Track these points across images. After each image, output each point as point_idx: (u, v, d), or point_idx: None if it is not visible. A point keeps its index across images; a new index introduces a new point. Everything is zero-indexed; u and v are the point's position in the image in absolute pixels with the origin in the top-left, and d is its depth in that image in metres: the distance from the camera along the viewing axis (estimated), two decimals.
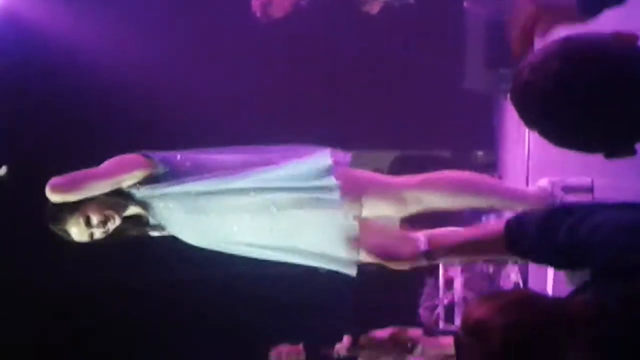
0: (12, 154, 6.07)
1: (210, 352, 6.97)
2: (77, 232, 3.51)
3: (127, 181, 3.50)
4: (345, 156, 3.71)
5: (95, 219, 3.48)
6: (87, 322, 7.15)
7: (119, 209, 3.53)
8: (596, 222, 1.77)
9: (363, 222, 3.62)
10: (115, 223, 3.52)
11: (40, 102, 7.25)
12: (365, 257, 3.68)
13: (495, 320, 1.62)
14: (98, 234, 3.52)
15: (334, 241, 3.53)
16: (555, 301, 1.77)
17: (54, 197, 3.37)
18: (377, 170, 7.29)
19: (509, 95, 1.94)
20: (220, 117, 7.42)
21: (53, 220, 3.51)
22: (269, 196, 3.49)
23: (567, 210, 1.93)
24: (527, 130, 5.82)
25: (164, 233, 3.75)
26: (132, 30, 7.32)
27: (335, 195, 3.44)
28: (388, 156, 8.19)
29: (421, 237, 2.25)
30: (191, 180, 3.51)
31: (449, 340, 5.63)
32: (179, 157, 3.64)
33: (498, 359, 1.60)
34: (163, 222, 3.62)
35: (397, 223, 4.82)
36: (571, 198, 3.70)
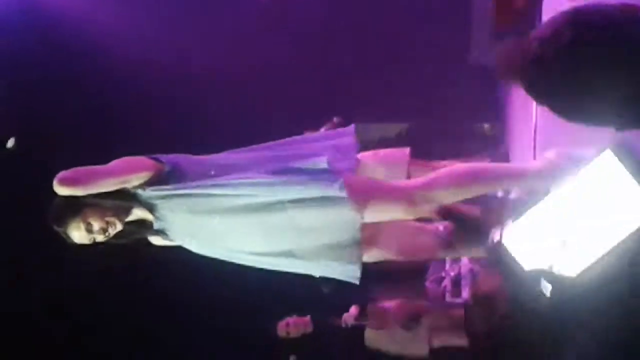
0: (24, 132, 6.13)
1: (218, 325, 7.02)
2: (78, 236, 3.49)
3: (133, 182, 3.48)
4: (353, 160, 3.70)
5: (96, 225, 3.46)
6: (87, 320, 7.17)
7: (121, 214, 3.50)
8: None
9: (380, 228, 3.62)
10: (116, 229, 3.51)
11: (56, 83, 7.28)
12: (370, 258, 3.69)
13: (505, 293, 1.63)
14: (99, 238, 3.51)
15: (339, 244, 3.53)
16: None
17: (61, 190, 3.34)
18: (383, 139, 7.32)
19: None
20: (227, 92, 7.46)
21: (55, 222, 3.50)
22: (275, 199, 3.47)
23: None
24: (534, 104, 5.82)
25: (166, 241, 3.74)
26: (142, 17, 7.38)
27: (341, 192, 3.43)
28: (394, 128, 8.19)
29: (440, 226, 2.23)
30: (197, 183, 3.50)
31: (455, 312, 5.66)
32: (186, 160, 3.63)
33: (505, 329, 1.62)
34: (167, 226, 3.61)
35: None
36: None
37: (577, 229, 1.44)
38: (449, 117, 7.98)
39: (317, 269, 3.70)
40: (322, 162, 3.47)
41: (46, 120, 7.13)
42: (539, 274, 1.51)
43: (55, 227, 3.51)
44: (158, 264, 4.02)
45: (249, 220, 3.52)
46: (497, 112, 8.52)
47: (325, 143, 3.74)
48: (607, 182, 1.36)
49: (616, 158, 1.30)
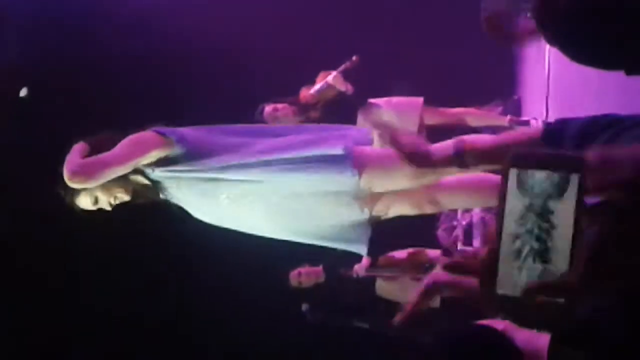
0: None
1: (230, 276, 7.07)
2: (84, 204, 3.50)
3: (143, 162, 3.43)
4: (367, 134, 3.64)
5: (103, 199, 3.47)
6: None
7: (128, 188, 3.49)
8: (635, 134, 1.74)
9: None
10: (123, 199, 3.51)
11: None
12: (384, 215, 3.69)
13: None
14: (105, 208, 3.52)
15: (348, 228, 3.53)
16: None
17: (73, 184, 3.31)
18: (394, 88, 7.29)
19: (529, 14, 1.91)
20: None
21: (63, 190, 3.47)
22: (284, 184, 3.45)
23: (610, 120, 1.88)
24: (547, 51, 5.78)
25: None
26: None
27: (352, 180, 3.42)
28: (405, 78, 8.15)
29: (450, 142, 2.17)
30: (205, 164, 3.45)
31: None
32: (196, 136, 3.54)
33: None
34: (174, 201, 3.59)
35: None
36: None
37: (542, 234, 1.43)
38: (459, 66, 7.92)
39: (324, 244, 3.71)
40: (337, 149, 3.42)
41: (60, 76, 7.14)
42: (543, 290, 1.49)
43: (63, 194, 3.49)
44: (165, 222, 4.00)
45: (257, 205, 3.51)
46: (509, 60, 8.46)
47: (340, 132, 3.67)
48: (533, 188, 1.36)
49: (520, 170, 1.31)
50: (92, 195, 3.45)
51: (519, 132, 2.13)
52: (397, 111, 5.78)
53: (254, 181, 3.45)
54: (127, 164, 3.37)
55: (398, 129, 2.35)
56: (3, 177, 6.61)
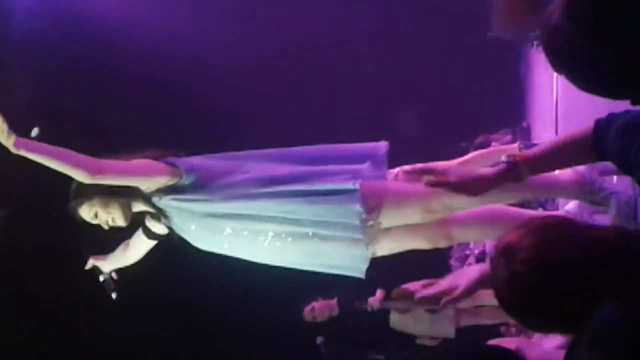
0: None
1: (245, 311, 7.06)
2: (86, 216, 3.58)
3: (147, 184, 3.48)
4: (380, 170, 3.61)
5: (103, 216, 3.54)
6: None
7: (127, 212, 3.56)
8: None
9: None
10: (117, 224, 3.57)
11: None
12: (394, 250, 3.68)
13: (524, 241, 1.63)
14: (103, 226, 3.59)
15: (349, 258, 3.56)
16: (587, 226, 1.74)
17: (83, 174, 3.33)
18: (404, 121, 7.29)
19: (535, 43, 1.90)
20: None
21: (72, 199, 3.56)
22: (289, 228, 3.49)
23: None
24: (555, 78, 5.78)
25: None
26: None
27: (361, 236, 3.43)
28: (414, 109, 8.16)
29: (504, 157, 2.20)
30: (210, 195, 3.50)
31: (482, 292, 5.64)
32: (207, 167, 3.58)
33: (523, 278, 1.61)
34: (177, 230, 3.65)
35: None
36: (609, 181, 3.58)
37: None
38: (468, 95, 7.93)
39: (323, 270, 3.73)
40: (345, 185, 3.42)
41: (67, 112, 7.17)
42: None
43: (71, 202, 3.56)
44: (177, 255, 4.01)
45: (261, 240, 3.55)
46: (517, 88, 8.48)
47: (356, 153, 3.64)
48: None
49: None
50: (93, 210, 3.53)
51: (570, 133, 2.13)
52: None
53: (257, 214, 3.49)
54: (133, 177, 3.44)
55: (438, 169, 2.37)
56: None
